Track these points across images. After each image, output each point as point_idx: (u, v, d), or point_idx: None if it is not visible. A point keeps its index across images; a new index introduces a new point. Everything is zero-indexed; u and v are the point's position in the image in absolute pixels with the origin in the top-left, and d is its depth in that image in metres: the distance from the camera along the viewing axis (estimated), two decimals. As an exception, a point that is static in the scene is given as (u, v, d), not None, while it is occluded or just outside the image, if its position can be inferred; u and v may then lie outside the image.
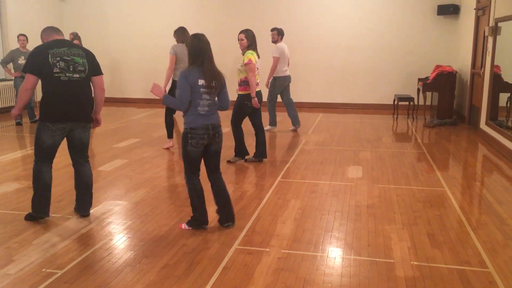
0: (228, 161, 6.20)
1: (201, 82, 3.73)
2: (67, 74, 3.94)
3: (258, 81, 6.01)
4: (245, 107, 6.03)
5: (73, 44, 4.09)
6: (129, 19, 12.24)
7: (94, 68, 4.14)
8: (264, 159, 6.32)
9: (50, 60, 3.88)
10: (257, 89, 6.01)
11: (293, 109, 8.45)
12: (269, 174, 5.75)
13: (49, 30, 4.14)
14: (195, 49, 3.77)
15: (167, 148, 7.13)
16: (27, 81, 3.92)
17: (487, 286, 3.11)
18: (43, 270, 3.31)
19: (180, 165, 6.19)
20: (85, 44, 10.13)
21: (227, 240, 3.80)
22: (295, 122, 8.48)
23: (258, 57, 5.99)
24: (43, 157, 4.12)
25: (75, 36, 9.73)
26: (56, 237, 3.87)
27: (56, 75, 3.91)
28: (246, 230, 4.00)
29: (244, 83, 5.94)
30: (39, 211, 4.20)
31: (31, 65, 3.90)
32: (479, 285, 3.11)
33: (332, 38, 11.21)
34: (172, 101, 3.84)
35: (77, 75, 4.00)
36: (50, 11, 12.05)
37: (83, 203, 4.33)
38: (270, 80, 8.40)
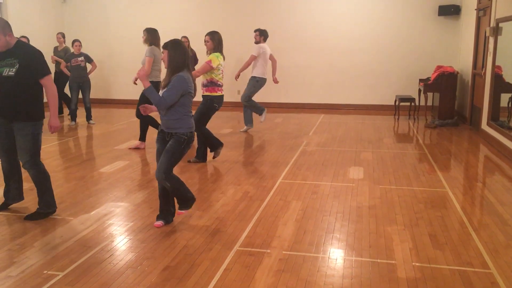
0: (189, 161, 6.28)
1: (191, 86, 3.93)
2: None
3: (220, 82, 6.08)
4: (213, 109, 6.13)
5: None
6: (129, 21, 12.25)
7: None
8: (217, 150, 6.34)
9: None
10: (222, 93, 6.13)
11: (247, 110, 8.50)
12: (270, 175, 5.74)
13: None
14: (186, 54, 3.94)
15: (135, 148, 7.16)
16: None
17: (489, 287, 3.10)
18: (45, 272, 3.31)
19: (181, 167, 6.18)
20: (86, 46, 10.20)
21: (228, 241, 3.79)
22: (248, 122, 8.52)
23: (223, 60, 6.07)
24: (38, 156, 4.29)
25: (63, 36, 10.11)
26: (57, 239, 3.87)
27: None
28: (247, 231, 3.99)
29: (211, 84, 6.03)
30: (52, 205, 4.40)
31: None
32: (481, 286, 3.10)
33: (333, 39, 11.21)
34: (155, 96, 3.87)
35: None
36: (51, 13, 12.07)
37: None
38: (251, 79, 8.34)
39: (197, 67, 9.24)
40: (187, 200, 4.09)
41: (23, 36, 9.27)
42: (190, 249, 3.66)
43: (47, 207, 4.34)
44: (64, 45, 10.41)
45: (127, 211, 4.53)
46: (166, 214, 4.16)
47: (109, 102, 12.51)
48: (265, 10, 11.40)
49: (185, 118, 3.94)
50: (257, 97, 8.70)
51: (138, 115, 6.90)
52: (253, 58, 8.24)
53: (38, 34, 10.93)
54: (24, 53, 4.04)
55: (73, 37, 10.86)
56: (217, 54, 5.95)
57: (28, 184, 5.32)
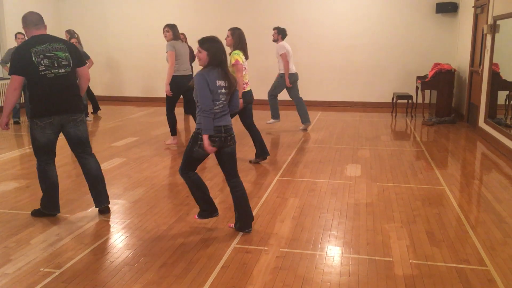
0: (250, 161, 6.25)
1: (218, 83, 3.64)
2: (52, 71, 3.94)
3: (246, 80, 5.95)
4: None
5: (53, 39, 4.04)
6: (127, 18, 12.22)
7: (78, 60, 4.13)
8: (267, 156, 6.27)
9: (34, 59, 3.88)
10: (248, 89, 5.98)
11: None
12: (267, 172, 5.74)
13: (29, 24, 4.04)
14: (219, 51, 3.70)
15: (170, 144, 7.17)
16: (14, 82, 3.92)
17: (486, 284, 3.10)
18: (41, 269, 3.30)
19: (179, 164, 6.16)
20: (83, 43, 10.13)
21: (225, 239, 3.79)
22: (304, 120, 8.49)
23: (246, 58, 5.88)
24: (43, 156, 4.14)
25: (72, 34, 9.69)
26: (54, 236, 3.86)
27: (42, 73, 3.91)
28: (244, 228, 3.99)
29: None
30: (50, 209, 4.28)
31: (16, 67, 3.90)
32: (478, 283, 3.11)
33: (331, 36, 11.20)
34: (205, 123, 3.63)
35: (63, 70, 3.99)
36: (48, 10, 12.03)
37: (97, 195, 4.33)
38: (278, 77, 8.36)
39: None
40: (202, 209, 4.03)
41: (19, 33, 9.24)
42: (187, 246, 3.66)
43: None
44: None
45: (124, 209, 4.52)
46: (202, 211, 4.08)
47: (107, 99, 12.47)
48: (262, 8, 11.38)
49: (199, 116, 3.69)
50: (260, 96, 8.68)
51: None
52: (286, 55, 8.15)
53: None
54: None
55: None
56: (238, 51, 5.73)
57: (25, 182, 5.31)
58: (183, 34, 9.83)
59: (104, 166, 6.01)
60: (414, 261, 3.40)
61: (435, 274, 3.23)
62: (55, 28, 12.29)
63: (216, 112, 3.66)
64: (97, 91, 12.44)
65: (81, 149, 4.25)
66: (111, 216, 4.30)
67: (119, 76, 12.62)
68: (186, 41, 9.49)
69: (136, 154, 6.70)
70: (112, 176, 5.60)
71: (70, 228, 4.04)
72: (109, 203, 4.42)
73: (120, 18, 12.27)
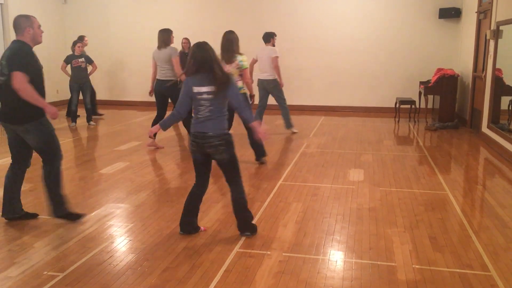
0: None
1: (197, 89, 3.65)
2: (0, 78, 3.98)
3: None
4: None
5: (10, 46, 4.02)
6: (131, 22, 12.27)
7: (9, 67, 3.89)
8: (264, 158, 6.34)
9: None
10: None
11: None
12: (270, 177, 5.74)
13: (14, 29, 4.10)
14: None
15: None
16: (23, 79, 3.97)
17: (489, 289, 3.10)
18: (45, 273, 3.31)
19: (182, 168, 6.20)
20: (87, 46, 10.18)
21: (228, 243, 3.79)
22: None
23: (227, 62, 5.98)
24: (11, 156, 4.25)
25: (80, 39, 9.84)
26: (57, 240, 3.87)
27: None
28: (247, 233, 3.99)
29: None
30: (5, 212, 4.26)
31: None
32: (481, 289, 3.10)
33: (334, 41, 11.22)
34: (167, 117, 3.89)
35: (2, 78, 3.97)
36: (52, 14, 12.09)
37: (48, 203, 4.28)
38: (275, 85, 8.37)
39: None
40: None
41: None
42: (190, 250, 3.66)
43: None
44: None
45: (127, 212, 4.53)
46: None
47: (110, 103, 12.50)
48: (265, 11, 11.41)
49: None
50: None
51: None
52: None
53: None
54: None
55: (74, 38, 10.86)
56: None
57: (28, 185, 5.33)
58: (186, 38, 9.88)
59: (107, 170, 6.03)
60: (417, 266, 3.40)
61: (438, 279, 3.22)
62: (59, 32, 12.38)
63: (200, 117, 3.73)
64: (100, 95, 12.48)
65: (38, 154, 4.20)
66: (114, 220, 4.31)
67: (122, 80, 12.66)
68: (189, 46, 9.50)
69: (139, 158, 6.72)
70: (115, 180, 5.62)
71: (74, 231, 4.05)
72: (60, 214, 4.22)
73: (123, 22, 12.32)
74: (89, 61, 9.60)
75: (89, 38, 11.22)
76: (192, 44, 3.92)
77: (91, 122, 9.57)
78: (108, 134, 8.63)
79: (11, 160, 4.25)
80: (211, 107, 3.68)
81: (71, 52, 9.60)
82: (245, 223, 3.95)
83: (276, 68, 8.07)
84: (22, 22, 4.05)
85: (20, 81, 3.83)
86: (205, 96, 3.66)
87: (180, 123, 9.59)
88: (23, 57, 3.93)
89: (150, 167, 6.19)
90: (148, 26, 12.05)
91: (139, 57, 12.28)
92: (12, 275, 3.28)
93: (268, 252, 3.62)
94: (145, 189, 5.25)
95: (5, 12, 10.76)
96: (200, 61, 3.65)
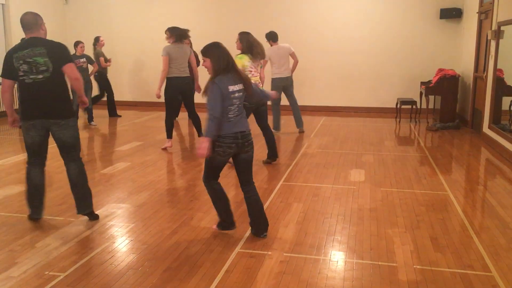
0: (263, 162, 6.35)
1: (232, 88, 3.64)
2: (30, 76, 3.97)
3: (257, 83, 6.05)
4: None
5: (38, 42, 4.03)
6: (132, 22, 12.27)
7: (60, 61, 4.02)
8: (276, 159, 6.38)
9: (15, 64, 3.97)
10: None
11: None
12: (271, 177, 5.75)
13: (23, 27, 4.12)
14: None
15: (165, 148, 7.18)
16: (2, 85, 4.06)
17: (490, 290, 3.10)
18: (46, 273, 3.32)
19: (183, 168, 6.20)
20: (88, 47, 10.19)
21: (229, 243, 3.80)
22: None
23: (261, 58, 6.05)
24: (30, 157, 4.21)
25: (96, 39, 10.00)
26: (59, 240, 3.88)
27: (21, 78, 3.99)
28: (248, 233, 3.99)
29: None
30: (30, 211, 4.28)
31: (3, 70, 4.06)
32: (482, 289, 3.10)
33: (335, 41, 11.21)
34: (209, 127, 3.62)
35: (41, 76, 3.98)
36: (54, 14, 12.10)
37: (76, 201, 4.30)
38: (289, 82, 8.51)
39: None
40: (221, 220, 3.99)
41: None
42: (191, 250, 3.67)
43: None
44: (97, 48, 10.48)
45: (128, 213, 4.53)
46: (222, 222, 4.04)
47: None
48: (267, 12, 11.40)
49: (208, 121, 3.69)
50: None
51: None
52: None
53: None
54: None
55: (75, 38, 10.86)
56: (241, 55, 5.87)
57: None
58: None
59: (108, 170, 6.04)
60: (418, 267, 3.40)
61: (439, 279, 3.22)
62: (61, 33, 12.38)
63: (231, 117, 3.66)
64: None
65: (65, 153, 4.22)
66: (115, 220, 4.32)
67: (123, 80, 12.65)
68: (191, 46, 9.49)
69: (140, 158, 6.72)
70: (116, 180, 5.62)
71: (75, 231, 4.05)
72: (90, 210, 4.31)
73: (125, 23, 12.32)
74: (90, 61, 9.61)
75: (90, 39, 11.23)
76: (206, 45, 3.79)
77: (92, 122, 9.58)
78: (109, 135, 8.64)
79: (35, 162, 4.21)
80: (240, 105, 3.75)
81: (73, 52, 9.62)
82: (265, 223, 3.94)
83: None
84: (39, 19, 4.16)
85: (76, 71, 4.15)
86: (237, 94, 3.68)
87: (188, 124, 9.61)
88: (67, 49, 4.15)
89: (152, 168, 6.20)
90: (150, 26, 12.07)
91: (141, 57, 12.30)
92: (13, 275, 3.28)
93: (269, 253, 3.63)
94: (146, 189, 5.26)
95: (6, 13, 10.77)
96: (227, 60, 3.66)
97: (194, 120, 7.32)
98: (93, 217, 4.33)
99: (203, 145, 3.57)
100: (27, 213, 4.34)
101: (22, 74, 3.97)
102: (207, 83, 3.67)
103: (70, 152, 4.22)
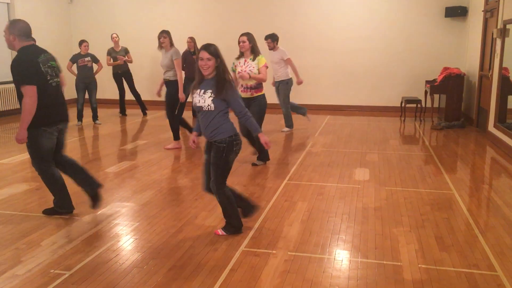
0: (254, 164, 6.25)
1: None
2: (54, 80, 4.13)
3: (251, 84, 6.07)
4: (265, 107, 6.22)
5: (42, 49, 4.14)
6: (137, 22, 12.30)
7: (59, 67, 4.31)
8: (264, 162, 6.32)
9: (42, 68, 4.00)
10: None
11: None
12: (276, 176, 5.74)
13: (22, 34, 4.02)
14: None
15: (174, 148, 7.19)
16: (33, 94, 3.89)
17: (495, 289, 3.09)
18: (51, 271, 3.33)
19: (187, 167, 6.20)
20: (93, 47, 10.23)
21: (234, 242, 3.80)
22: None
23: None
24: (48, 161, 4.24)
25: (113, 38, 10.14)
26: (64, 238, 3.89)
27: (49, 82, 4.07)
28: (253, 232, 4.00)
29: (260, 85, 6.09)
30: (67, 207, 4.42)
31: (29, 77, 3.88)
32: (487, 289, 3.09)
33: (339, 40, 11.19)
34: (254, 124, 3.82)
35: (57, 79, 4.20)
36: (58, 14, 12.14)
37: (87, 181, 4.42)
38: (281, 85, 8.41)
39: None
40: (231, 225, 3.94)
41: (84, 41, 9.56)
42: (196, 249, 3.67)
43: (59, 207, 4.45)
44: (120, 46, 10.53)
45: (133, 211, 4.54)
46: (244, 210, 4.08)
47: (116, 102, 12.52)
48: (271, 11, 11.40)
49: (226, 122, 3.71)
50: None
51: (169, 115, 7.13)
52: (290, 59, 8.48)
53: (45, 34, 10.98)
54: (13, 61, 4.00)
55: (80, 37, 10.91)
56: (262, 55, 6.06)
57: (35, 184, 5.36)
58: (191, 37, 9.87)
59: (113, 169, 6.05)
60: (423, 266, 3.39)
61: (444, 278, 3.21)
62: (65, 32, 12.43)
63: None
64: (106, 95, 12.55)
65: (60, 153, 4.40)
66: (120, 219, 4.33)
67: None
68: (194, 45, 9.49)
69: (145, 157, 6.74)
70: (121, 179, 5.64)
71: (80, 230, 4.07)
72: (101, 185, 4.50)
73: (129, 23, 12.34)
74: (95, 60, 9.63)
75: (94, 38, 11.29)
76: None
77: (97, 121, 9.60)
78: (114, 133, 8.66)
79: (51, 163, 4.30)
80: None
81: (76, 52, 9.65)
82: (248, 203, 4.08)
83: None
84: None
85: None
86: None
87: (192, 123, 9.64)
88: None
89: (156, 166, 6.21)
90: (154, 26, 12.07)
91: (145, 57, 12.31)
92: (19, 273, 3.30)
93: (274, 251, 3.62)
94: (150, 188, 5.27)
95: (11, 12, 10.80)
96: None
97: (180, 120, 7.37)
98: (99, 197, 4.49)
99: (263, 139, 3.77)
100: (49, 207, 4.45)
101: (49, 78, 4.06)
102: (221, 83, 3.64)
103: (62, 151, 4.44)
